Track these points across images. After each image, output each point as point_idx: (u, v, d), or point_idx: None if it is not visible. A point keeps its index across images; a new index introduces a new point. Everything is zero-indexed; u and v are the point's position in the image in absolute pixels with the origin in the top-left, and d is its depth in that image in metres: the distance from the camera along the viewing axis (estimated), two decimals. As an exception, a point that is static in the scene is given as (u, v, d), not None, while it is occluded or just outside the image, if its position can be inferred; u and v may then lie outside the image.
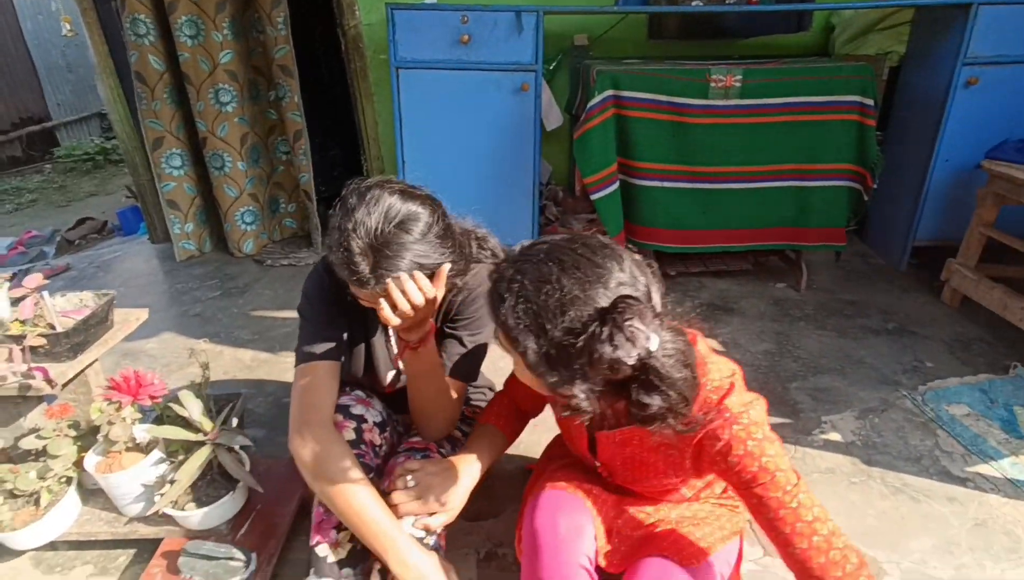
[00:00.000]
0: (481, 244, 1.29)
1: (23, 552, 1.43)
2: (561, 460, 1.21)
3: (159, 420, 1.41)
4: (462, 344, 1.25)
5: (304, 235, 3.49)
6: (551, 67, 3.17)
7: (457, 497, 1.14)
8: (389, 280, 0.99)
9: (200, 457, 1.30)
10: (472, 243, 1.26)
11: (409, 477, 1.13)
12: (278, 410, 2.00)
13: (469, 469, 1.18)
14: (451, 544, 1.16)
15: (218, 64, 2.93)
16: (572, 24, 3.13)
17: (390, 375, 1.36)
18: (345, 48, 3.10)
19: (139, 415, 1.39)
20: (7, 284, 1.53)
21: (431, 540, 1.13)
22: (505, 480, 1.58)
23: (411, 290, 1.00)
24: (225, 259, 3.25)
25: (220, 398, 1.54)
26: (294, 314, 2.59)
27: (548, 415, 1.39)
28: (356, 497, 1.06)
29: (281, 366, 2.24)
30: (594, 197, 2.51)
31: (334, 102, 3.81)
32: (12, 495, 1.38)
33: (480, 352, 1.29)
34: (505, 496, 1.55)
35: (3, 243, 3.53)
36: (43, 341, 1.35)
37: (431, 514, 1.12)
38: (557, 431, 1.44)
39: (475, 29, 2.50)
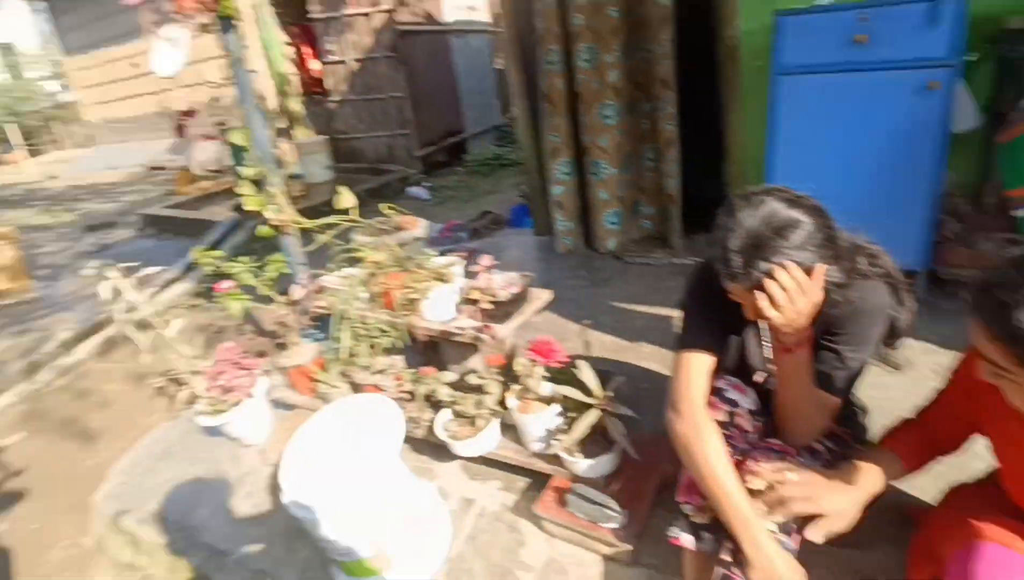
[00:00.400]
0: (872, 261, 1.25)
1: (458, 459, 1.96)
2: (980, 512, 1.07)
3: (555, 381, 1.76)
4: (839, 358, 1.23)
5: (659, 237, 3.72)
6: (969, 59, 2.69)
7: (852, 506, 1.13)
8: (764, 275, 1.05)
9: (591, 416, 1.58)
10: (862, 258, 1.23)
11: (791, 474, 1.17)
12: (635, 392, 2.22)
13: (865, 483, 1.16)
14: (806, 562, 1.17)
15: (607, 82, 3.33)
16: (1003, 3, 2.59)
17: (760, 375, 1.42)
18: (721, 56, 3.18)
19: (547, 374, 1.75)
20: (463, 261, 2.09)
21: (787, 540, 1.16)
22: (873, 513, 1.49)
23: (785, 280, 1.04)
24: (590, 254, 3.70)
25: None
26: (650, 309, 2.84)
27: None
28: (720, 475, 1.16)
29: (638, 353, 2.48)
30: (1020, 213, 2.09)
31: (696, 109, 3.93)
32: (458, 415, 1.90)
33: (857, 369, 1.25)
34: (873, 529, 1.46)
35: (436, 228, 4.69)
36: (492, 306, 1.81)
37: (798, 517, 1.15)
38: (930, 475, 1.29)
39: (875, 26, 2.31)
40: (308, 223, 2.18)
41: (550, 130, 3.50)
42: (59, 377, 3.43)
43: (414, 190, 6.79)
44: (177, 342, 2.13)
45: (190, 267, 4.58)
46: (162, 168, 11.11)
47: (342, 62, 7.36)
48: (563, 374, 1.75)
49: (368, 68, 7.29)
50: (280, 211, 2.19)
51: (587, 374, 1.65)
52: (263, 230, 2.20)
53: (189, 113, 7.23)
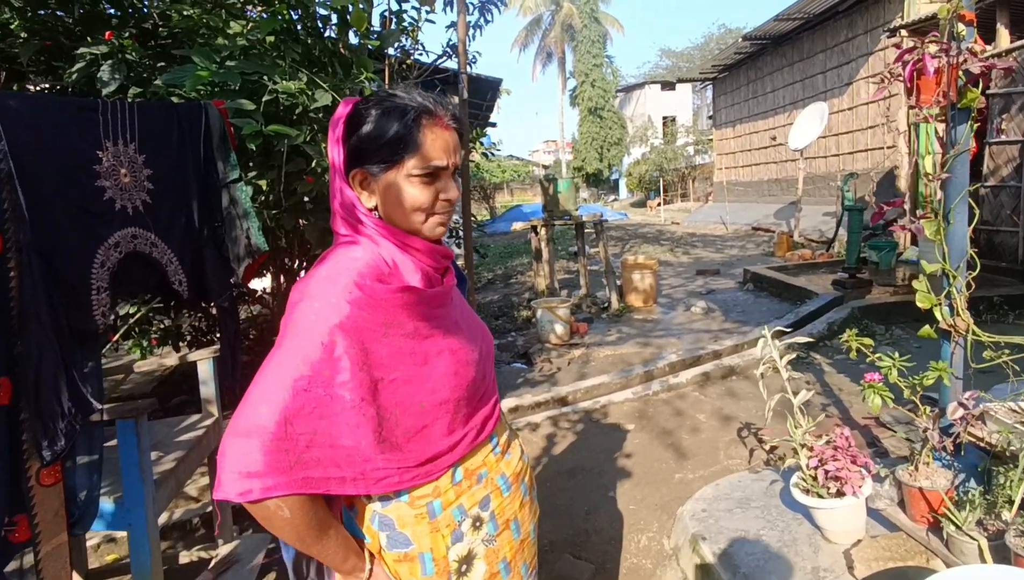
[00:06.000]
0: None
1: None
2: None
3: None
4: None
5: None
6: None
7: None
8: None
9: None
10: None
11: None
12: None
13: None
14: None
15: None
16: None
17: None
18: None
19: None
20: None
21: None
22: None
23: None
24: None
25: None
26: None
27: None
28: None
29: None
30: None
31: None
32: None
33: None
34: None
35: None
36: None
37: None
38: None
39: None
40: (989, 337, 1.88)
41: None
42: (664, 391, 4.15)
43: (1083, 310, 5.12)
44: (800, 412, 2.21)
45: (788, 328, 4.76)
46: (766, 230, 12.03)
47: (1018, 143, 6.17)
48: None
49: (1054, 151, 5.88)
50: (955, 315, 1.96)
51: None
52: (925, 330, 2.03)
53: (892, 204, 7.56)
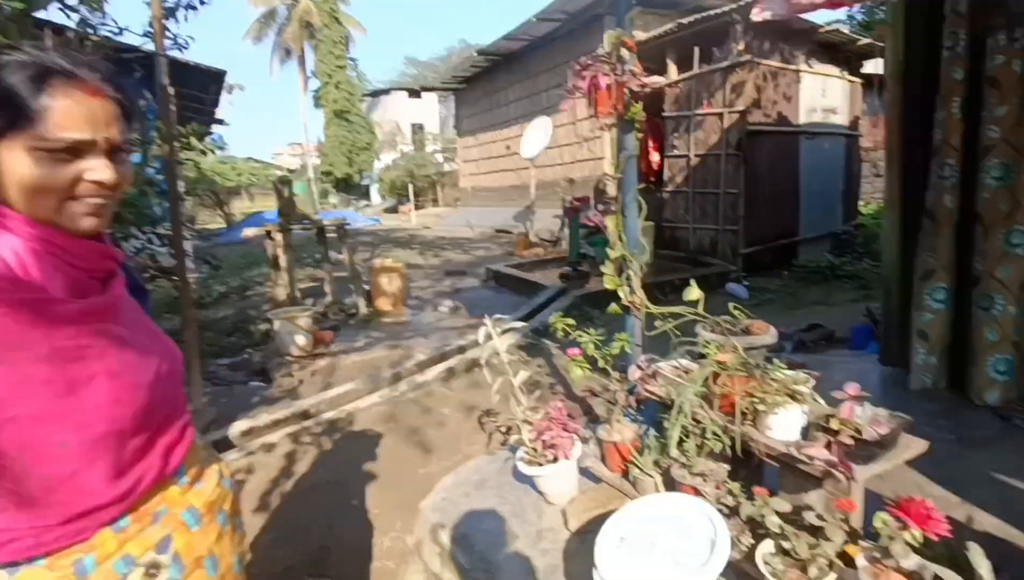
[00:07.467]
0: None
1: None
2: None
3: (925, 556, 1.44)
4: None
5: (1073, 404, 2.85)
6: None
7: None
8: None
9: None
10: None
11: None
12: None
13: None
14: None
15: (1021, 204, 2.76)
16: None
17: None
18: None
19: (914, 543, 1.45)
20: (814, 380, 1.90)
21: None
22: None
23: None
24: (957, 401, 3.02)
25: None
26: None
27: None
28: None
29: (1036, 555, 1.89)
30: None
31: None
32: (784, 553, 1.69)
33: None
34: None
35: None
36: (851, 442, 1.60)
37: None
38: None
39: None
40: (656, 309, 2.26)
41: (926, 250, 3.04)
42: (412, 391, 4.18)
43: (733, 287, 6.58)
44: (520, 391, 2.40)
45: (523, 318, 5.18)
46: (507, 232, 13.02)
47: (684, 157, 7.68)
48: (937, 550, 1.43)
49: (708, 164, 7.46)
50: (633, 293, 2.33)
51: (982, 562, 1.31)
52: (613, 308, 2.37)
53: (582, 200, 8.37)
